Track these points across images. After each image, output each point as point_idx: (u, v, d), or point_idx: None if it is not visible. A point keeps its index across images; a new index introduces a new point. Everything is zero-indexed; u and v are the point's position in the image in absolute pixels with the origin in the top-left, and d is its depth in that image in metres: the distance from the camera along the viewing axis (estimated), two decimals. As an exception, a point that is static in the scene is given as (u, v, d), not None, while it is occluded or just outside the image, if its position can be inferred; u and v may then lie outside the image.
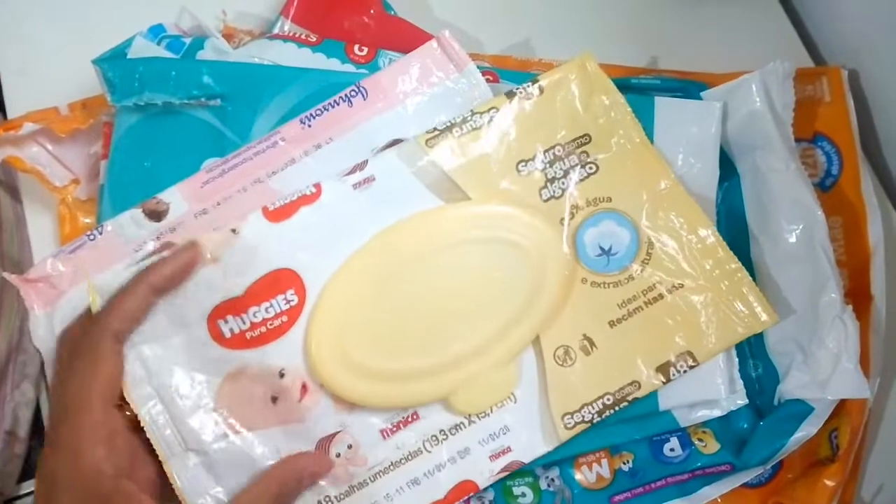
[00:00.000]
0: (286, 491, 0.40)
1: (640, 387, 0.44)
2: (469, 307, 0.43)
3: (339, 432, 0.42)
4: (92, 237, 0.44)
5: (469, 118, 0.45)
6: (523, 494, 0.46)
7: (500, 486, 0.46)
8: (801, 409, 0.46)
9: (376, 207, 0.43)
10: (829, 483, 0.46)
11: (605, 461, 0.47)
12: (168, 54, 0.49)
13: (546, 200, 0.45)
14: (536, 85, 0.46)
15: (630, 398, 0.44)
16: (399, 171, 0.44)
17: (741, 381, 0.46)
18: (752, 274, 0.49)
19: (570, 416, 0.43)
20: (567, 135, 0.46)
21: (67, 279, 0.43)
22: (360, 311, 0.42)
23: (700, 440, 0.47)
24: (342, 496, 0.42)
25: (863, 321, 0.47)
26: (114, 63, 0.47)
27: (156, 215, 0.44)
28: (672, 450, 0.47)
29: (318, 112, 0.46)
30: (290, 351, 0.42)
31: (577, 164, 0.45)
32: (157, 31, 0.50)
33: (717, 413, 0.46)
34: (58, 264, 0.43)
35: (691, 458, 0.47)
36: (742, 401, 0.46)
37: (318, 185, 0.43)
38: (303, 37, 0.51)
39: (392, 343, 0.42)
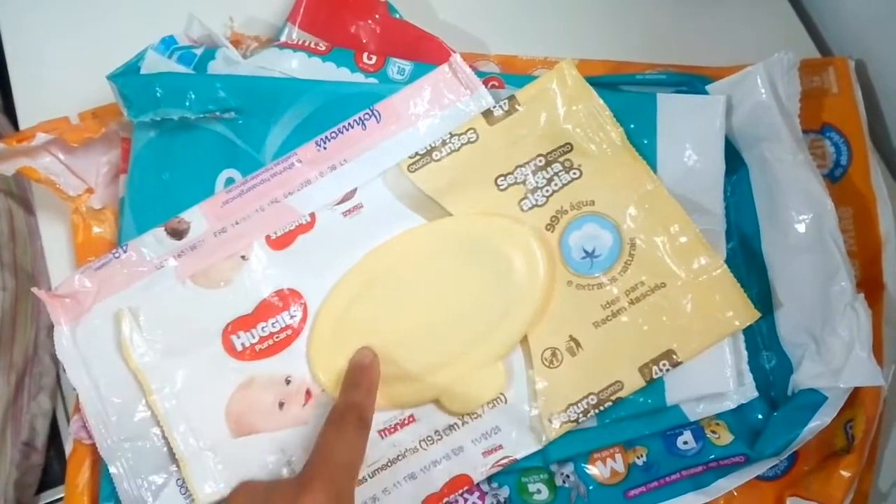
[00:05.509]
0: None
1: (623, 387, 0.45)
2: (455, 311, 0.46)
3: None
4: (117, 255, 0.46)
5: (448, 140, 0.47)
6: (539, 491, 0.47)
7: (515, 483, 0.47)
8: (814, 399, 0.45)
9: (365, 231, 0.46)
10: (846, 474, 0.45)
11: (619, 456, 0.47)
12: (180, 67, 0.49)
13: (527, 210, 0.46)
14: (514, 101, 0.47)
15: (614, 398, 0.45)
16: (384, 196, 0.46)
17: (750, 375, 0.46)
18: (763, 264, 0.49)
19: (556, 417, 0.45)
20: (548, 145, 0.47)
21: (92, 296, 0.45)
22: (355, 320, 0.46)
23: (713, 432, 0.47)
24: None
25: (875, 311, 0.47)
26: (129, 79, 0.47)
27: (177, 234, 0.47)
28: (685, 443, 0.47)
29: (333, 135, 0.47)
30: (294, 360, 0.46)
31: (560, 171, 0.47)
32: (168, 43, 0.50)
33: (727, 406, 0.46)
34: (84, 280, 0.45)
35: (705, 450, 0.47)
36: (752, 394, 0.46)
37: (312, 215, 0.47)
38: (312, 45, 0.51)
39: (385, 348, 0.46)
